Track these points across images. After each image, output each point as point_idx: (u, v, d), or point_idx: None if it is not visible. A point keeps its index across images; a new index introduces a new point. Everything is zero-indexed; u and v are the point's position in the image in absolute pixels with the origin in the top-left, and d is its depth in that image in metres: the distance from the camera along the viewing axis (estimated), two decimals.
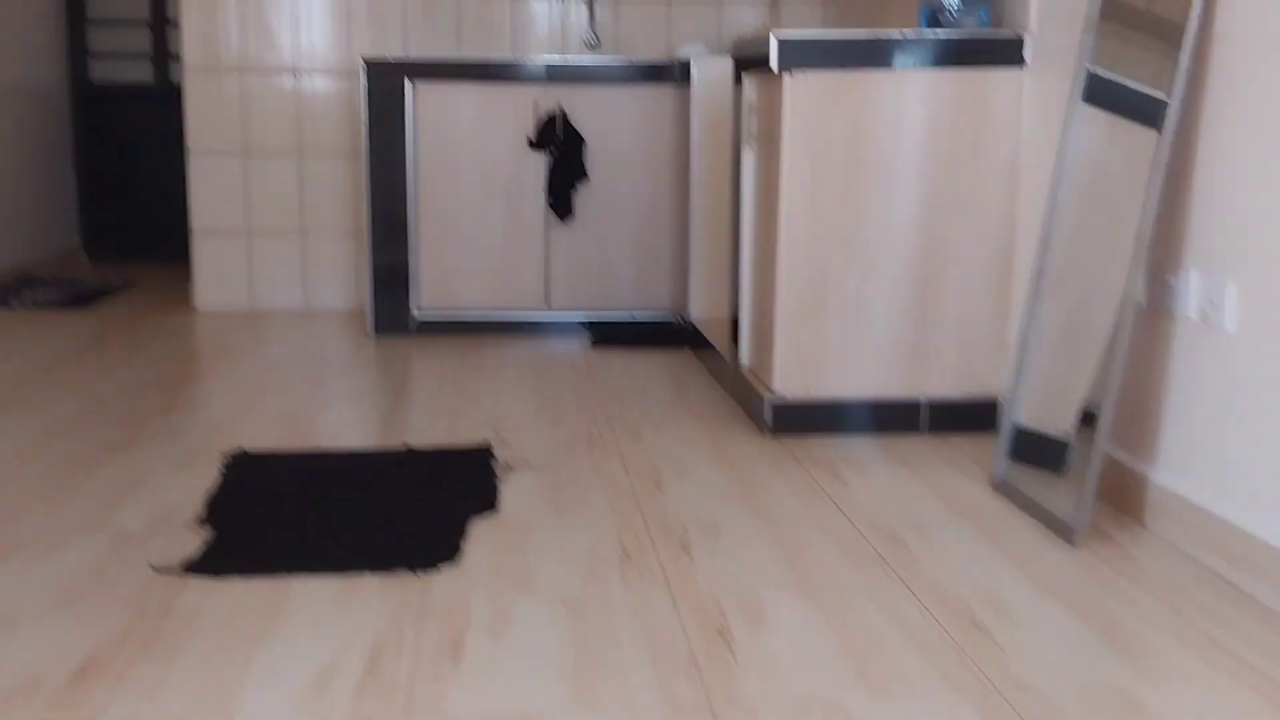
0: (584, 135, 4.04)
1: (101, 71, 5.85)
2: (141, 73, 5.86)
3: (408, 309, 4.05)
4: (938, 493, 2.39)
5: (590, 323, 4.12)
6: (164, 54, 5.84)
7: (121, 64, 5.85)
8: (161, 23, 5.81)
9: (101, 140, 5.88)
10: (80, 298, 4.66)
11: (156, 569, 1.94)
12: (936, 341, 2.84)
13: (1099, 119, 2.38)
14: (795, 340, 2.82)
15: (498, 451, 2.64)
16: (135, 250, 5.90)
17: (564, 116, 4.01)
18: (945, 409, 2.85)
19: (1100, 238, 2.33)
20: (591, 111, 4.04)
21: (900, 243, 2.79)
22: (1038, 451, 2.37)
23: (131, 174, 5.92)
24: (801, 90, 2.72)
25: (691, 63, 3.78)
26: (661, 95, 4.06)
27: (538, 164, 4.05)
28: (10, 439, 2.72)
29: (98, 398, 3.12)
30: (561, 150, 4.01)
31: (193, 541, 2.07)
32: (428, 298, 4.08)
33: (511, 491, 2.37)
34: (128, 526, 2.15)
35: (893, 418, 2.84)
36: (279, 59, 4.42)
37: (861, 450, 2.70)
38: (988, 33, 2.75)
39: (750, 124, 2.99)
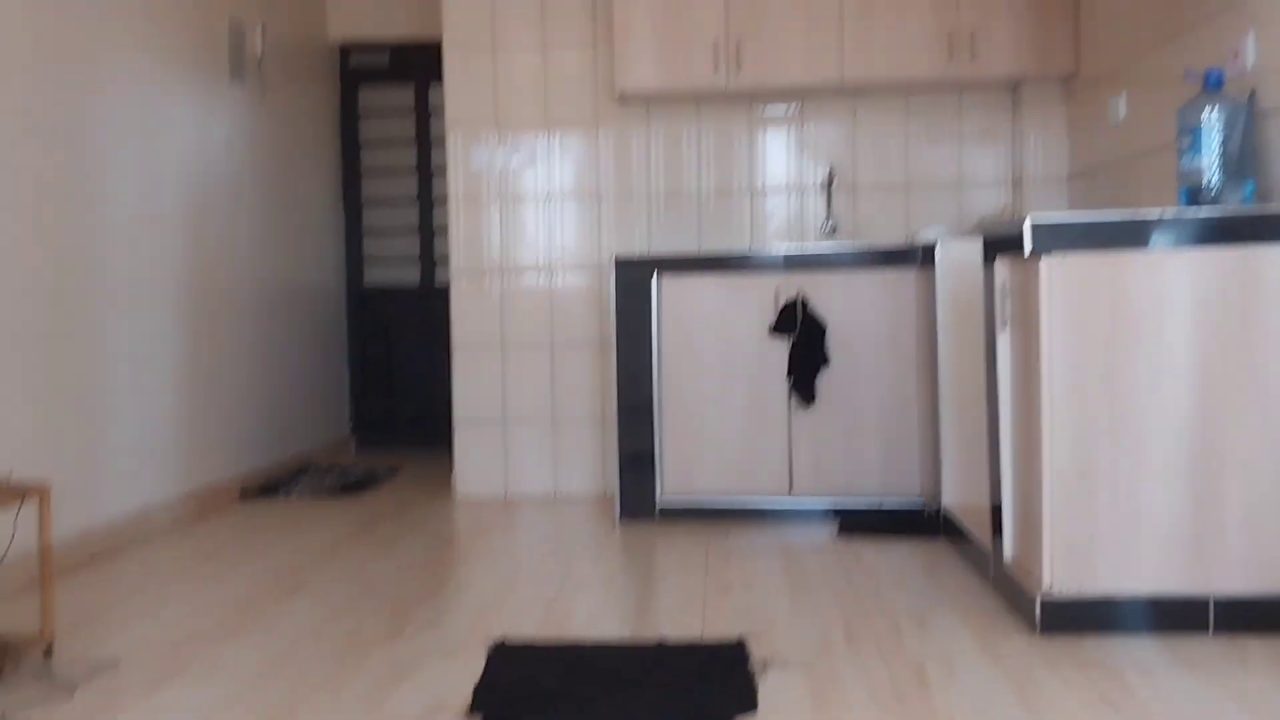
0: (825, 321, 4.07)
1: (374, 275, 6.39)
2: (409, 275, 6.37)
3: (653, 495, 4.11)
4: (1242, 704, 2.18)
5: (835, 510, 4.06)
6: (430, 258, 6.34)
7: (392, 268, 6.38)
8: (429, 230, 6.33)
9: (372, 337, 6.38)
10: (351, 486, 4.99)
11: None
12: (1220, 532, 2.64)
13: None
14: (1064, 531, 2.68)
15: (752, 647, 2.60)
16: (400, 439, 6.30)
17: (804, 303, 4.07)
18: (1235, 607, 2.62)
19: None
20: (832, 297, 4.09)
21: (1173, 427, 2.65)
22: None
23: (397, 368, 6.38)
24: (1058, 273, 2.67)
25: (937, 245, 3.78)
26: (903, 279, 4.07)
27: (779, 350, 4.11)
28: (293, 622, 2.90)
29: (369, 583, 3.29)
30: (802, 335, 4.05)
31: None
32: (672, 484, 4.14)
33: (770, 690, 2.32)
34: (403, 714, 2.23)
35: (1175, 616, 2.63)
36: (534, 258, 4.71)
37: (1143, 652, 2.51)
38: (1255, 209, 2.63)
39: (1004, 307, 2.94)
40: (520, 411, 4.71)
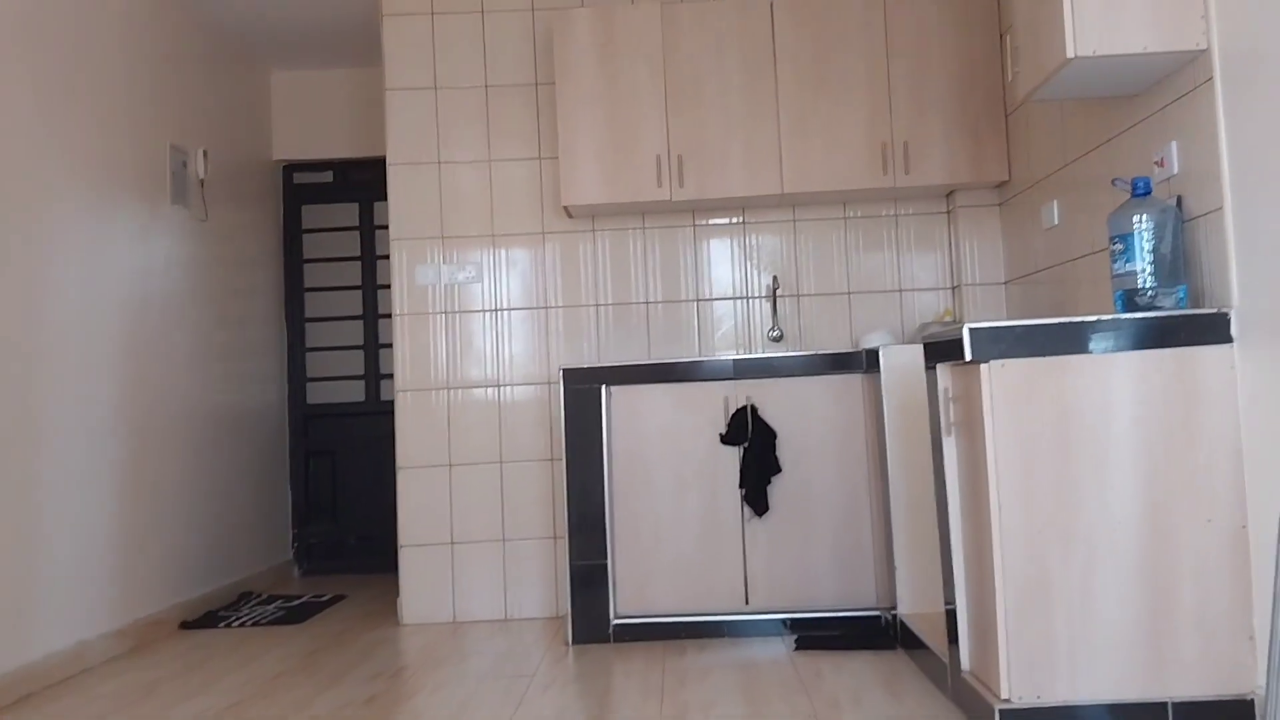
0: (775, 428, 4.06)
1: (318, 393, 6.31)
2: (354, 392, 6.30)
3: (606, 613, 4.03)
4: None
5: (792, 621, 3.99)
6: (375, 375, 6.28)
7: (336, 385, 6.31)
8: (374, 346, 6.28)
9: (315, 457, 6.27)
10: (295, 614, 4.84)
11: None
12: (1174, 636, 2.62)
13: None
14: (1020, 640, 2.64)
15: None
16: (345, 563, 6.15)
17: (754, 410, 4.06)
18: (1194, 709, 2.59)
19: None
20: (781, 404, 4.08)
21: (1122, 530, 2.64)
22: None
23: (341, 489, 6.26)
24: (1000, 379, 2.69)
25: (880, 352, 3.81)
26: (850, 384, 4.08)
27: (730, 459, 4.08)
28: None
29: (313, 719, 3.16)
30: (753, 444, 4.03)
31: None
32: (625, 601, 4.06)
33: None
34: None
35: None
36: (482, 373, 4.68)
37: None
38: (1189, 312, 2.67)
39: (949, 413, 2.95)
40: (468, 531, 4.62)
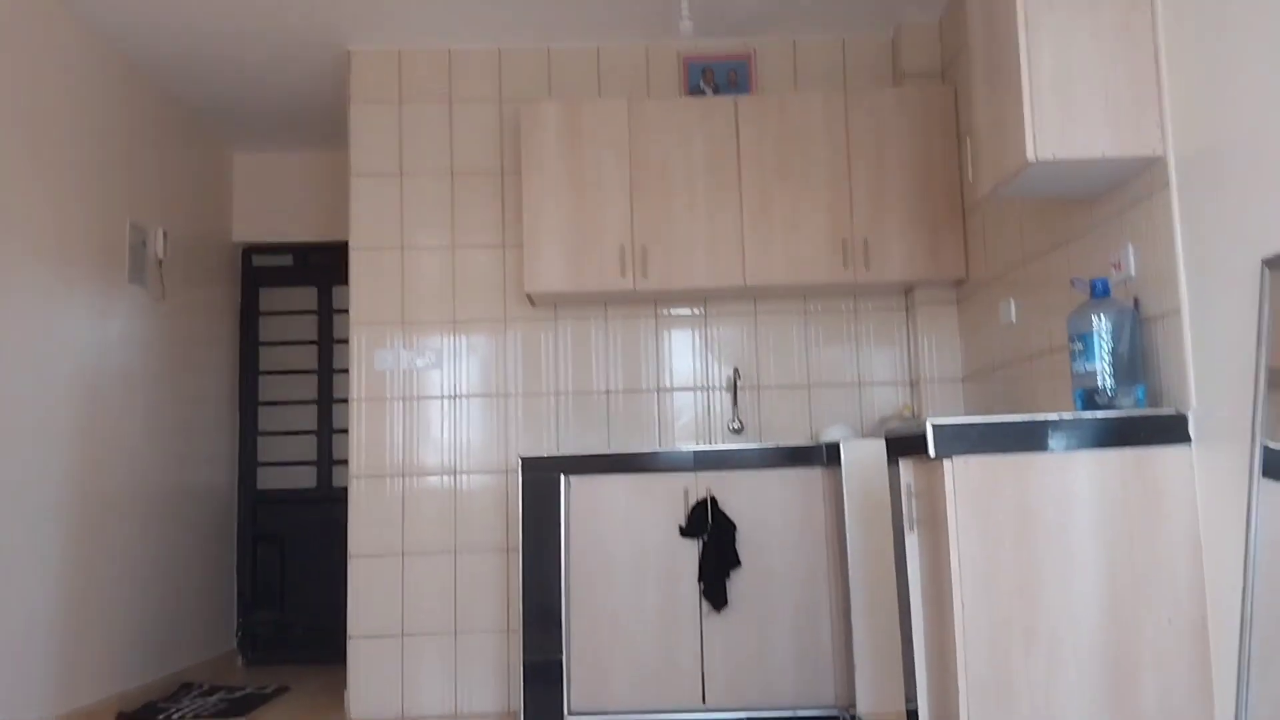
0: (735, 521, 4.03)
1: (269, 478, 6.20)
2: (305, 478, 6.19)
3: (560, 710, 3.92)
4: None
5: None
6: (328, 461, 6.18)
7: (287, 471, 6.20)
8: (328, 432, 6.20)
9: (263, 543, 6.13)
10: (237, 706, 4.67)
11: None
12: None
13: None
14: None
15: None
16: (291, 654, 5.98)
17: (713, 502, 4.03)
18: None
19: None
20: (741, 497, 4.06)
21: (1085, 628, 2.63)
22: None
23: (289, 577, 6.11)
24: (962, 475, 2.69)
25: (840, 446, 3.81)
26: (810, 478, 4.07)
27: (690, 552, 4.04)
28: None
29: None
30: (713, 537, 4.00)
31: None
32: (580, 698, 3.97)
33: None
34: None
35: None
36: (438, 460, 4.62)
37: None
38: (1148, 411, 2.70)
39: (911, 508, 2.94)
40: (420, 623, 4.51)
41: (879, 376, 4.68)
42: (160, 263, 5.19)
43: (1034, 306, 3.73)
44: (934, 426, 2.70)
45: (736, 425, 4.63)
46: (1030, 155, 2.81)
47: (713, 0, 4.49)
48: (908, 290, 4.67)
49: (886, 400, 4.67)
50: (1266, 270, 2.35)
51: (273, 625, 6.05)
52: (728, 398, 4.68)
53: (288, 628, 6.05)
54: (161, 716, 4.48)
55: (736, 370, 4.62)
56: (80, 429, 4.39)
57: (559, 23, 4.65)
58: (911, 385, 4.67)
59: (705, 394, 4.69)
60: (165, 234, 5.20)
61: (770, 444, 4.09)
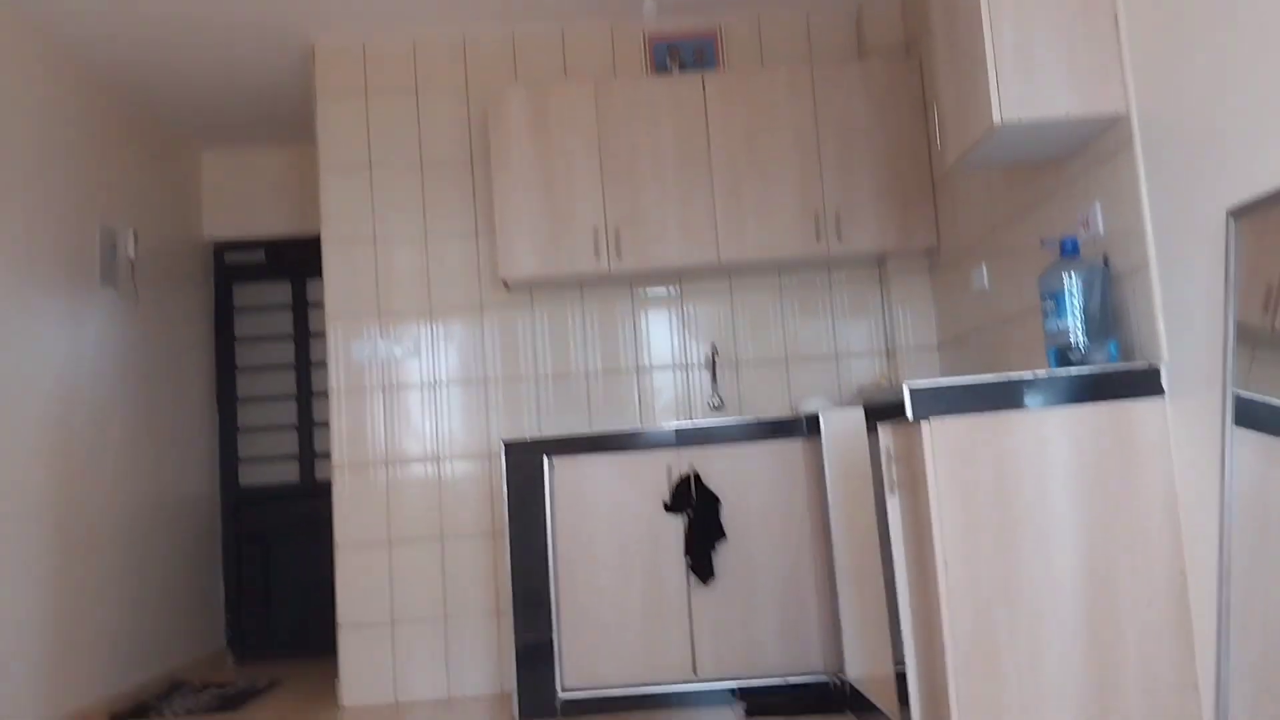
0: (718, 495, 4.06)
1: (250, 474, 6.19)
2: (288, 473, 6.19)
3: (553, 689, 3.96)
4: None
5: (741, 689, 3.95)
6: (310, 454, 6.18)
7: (269, 466, 6.19)
8: (308, 426, 6.19)
9: (248, 541, 6.12)
10: (229, 702, 4.68)
11: None
12: (1120, 689, 2.64)
13: (1255, 440, 2.32)
14: (970, 698, 2.65)
15: None
16: (280, 650, 5.99)
17: (697, 478, 4.06)
18: None
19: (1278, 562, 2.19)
20: (723, 471, 4.09)
21: (1065, 583, 2.67)
22: None
23: (275, 573, 6.11)
24: (941, 436, 2.72)
25: (820, 416, 3.84)
26: (790, 449, 4.11)
27: (674, 527, 4.07)
28: None
29: None
30: (697, 511, 4.03)
31: None
32: (572, 675, 4.00)
33: None
34: None
35: None
36: (421, 448, 4.63)
37: None
38: (1122, 366, 2.75)
39: (891, 472, 2.98)
40: (409, 610, 4.52)
41: (855, 347, 4.72)
42: (132, 264, 5.16)
43: (1005, 271, 3.77)
44: (911, 390, 2.73)
45: (716, 402, 4.67)
46: (995, 118, 2.84)
47: None
48: (881, 261, 4.71)
49: (864, 371, 4.71)
50: (1231, 220, 2.39)
51: (261, 622, 6.05)
52: (706, 375, 4.71)
53: (276, 624, 6.05)
54: (154, 714, 4.49)
55: (714, 347, 4.65)
56: (60, 434, 4.37)
57: (523, 7, 4.66)
58: (888, 355, 4.71)
59: (684, 372, 4.71)
60: (136, 235, 5.18)
61: (750, 417, 4.12)
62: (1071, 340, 2.85)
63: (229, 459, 6.16)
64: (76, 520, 4.46)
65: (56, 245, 4.48)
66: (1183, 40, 2.58)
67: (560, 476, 4.10)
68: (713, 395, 4.68)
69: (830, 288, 4.76)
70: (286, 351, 6.27)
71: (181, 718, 4.45)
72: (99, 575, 4.62)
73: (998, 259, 3.83)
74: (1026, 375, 2.73)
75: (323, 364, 6.21)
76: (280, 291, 6.31)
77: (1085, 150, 3.07)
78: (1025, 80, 2.85)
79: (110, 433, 4.82)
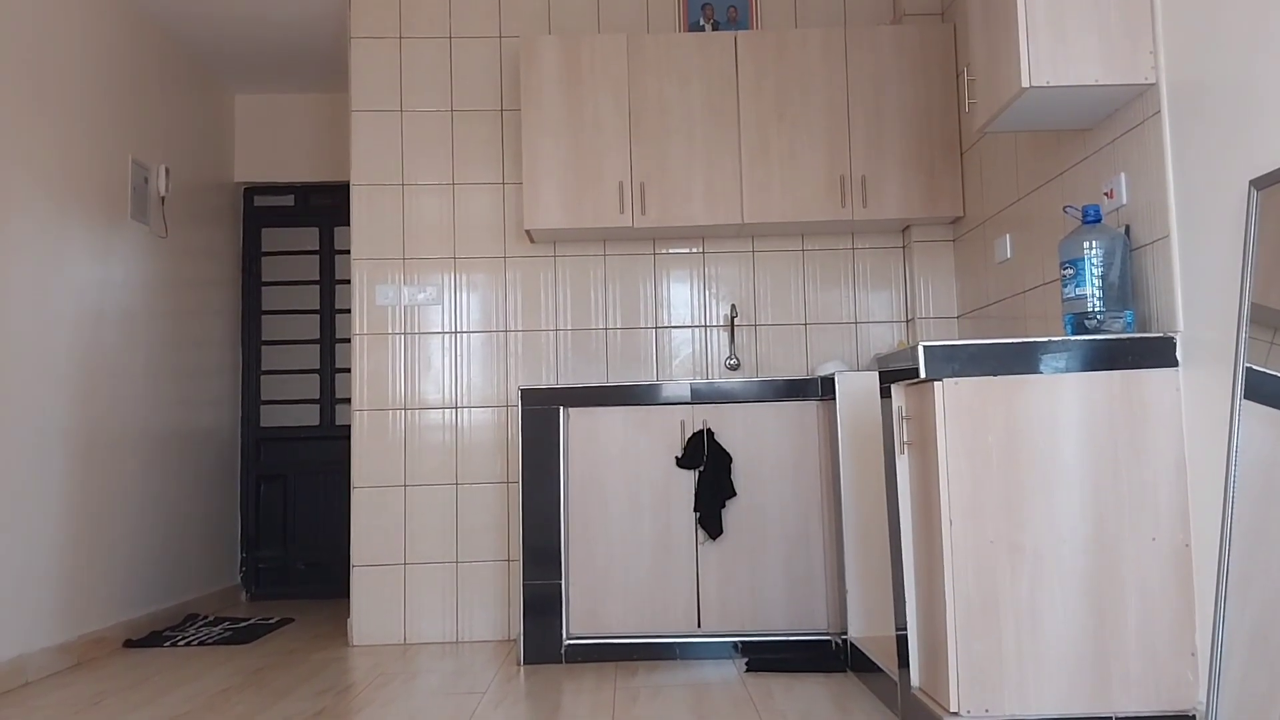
0: (730, 452, 4.09)
1: (272, 416, 6.26)
2: (308, 415, 6.26)
3: (558, 635, 4.01)
4: None
5: (744, 644, 4.00)
6: (331, 398, 6.24)
7: (291, 409, 6.26)
8: (330, 370, 6.25)
9: (267, 480, 6.21)
10: (242, 634, 4.77)
11: None
12: (1119, 652, 2.67)
13: (1266, 414, 2.33)
14: (969, 656, 2.68)
15: None
16: (294, 588, 6.08)
17: (710, 435, 4.09)
18: None
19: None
20: (737, 429, 4.12)
21: (1069, 546, 2.69)
22: None
23: (292, 513, 6.19)
24: (952, 397, 2.74)
25: (835, 378, 3.86)
26: (805, 411, 4.13)
27: (686, 482, 4.10)
28: None
29: None
30: (709, 467, 4.06)
31: None
32: (577, 622, 4.05)
33: None
34: None
35: None
36: (439, 395, 4.67)
37: None
38: (1137, 336, 2.75)
39: (902, 431, 3.00)
40: (421, 553, 4.59)
41: (875, 315, 4.73)
42: (163, 200, 5.22)
43: (1028, 243, 3.77)
44: (925, 348, 2.75)
45: (733, 362, 4.69)
46: (1025, 81, 2.84)
47: None
48: (904, 229, 4.70)
49: (882, 338, 4.72)
50: (1254, 190, 2.39)
51: (276, 561, 6.14)
52: (725, 335, 4.73)
53: (290, 563, 6.14)
54: (168, 643, 4.58)
55: (734, 308, 4.67)
56: (84, 364, 4.44)
57: None
58: (907, 323, 4.72)
59: (702, 332, 4.73)
60: (168, 171, 5.23)
61: (766, 378, 4.14)
62: (1089, 307, 2.86)
63: (251, 399, 6.23)
64: (97, 447, 4.54)
65: (89, 176, 4.54)
66: (1215, 10, 2.56)
67: (575, 427, 4.14)
68: (730, 356, 4.70)
69: (853, 254, 4.76)
70: (312, 296, 6.32)
71: (194, 647, 4.54)
72: (118, 503, 4.70)
73: (1022, 230, 3.83)
74: (1042, 340, 2.74)
75: (347, 310, 6.26)
76: (308, 237, 6.36)
77: (1113, 119, 3.06)
78: (1056, 46, 2.84)
79: (134, 364, 4.89)
